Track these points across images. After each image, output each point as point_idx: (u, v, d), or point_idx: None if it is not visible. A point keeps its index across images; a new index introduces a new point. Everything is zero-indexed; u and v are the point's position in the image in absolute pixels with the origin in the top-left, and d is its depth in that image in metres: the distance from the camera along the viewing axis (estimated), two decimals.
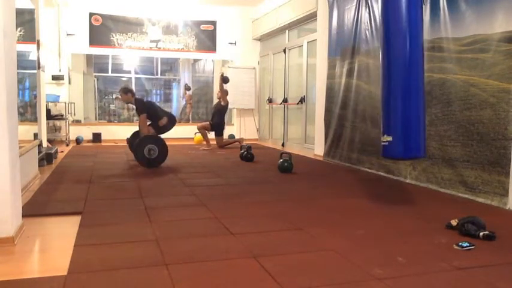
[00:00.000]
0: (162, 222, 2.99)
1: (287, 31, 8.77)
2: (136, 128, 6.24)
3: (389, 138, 3.50)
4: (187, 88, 12.10)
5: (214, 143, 8.22)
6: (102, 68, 12.60)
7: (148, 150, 5.53)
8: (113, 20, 9.14)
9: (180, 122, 11.68)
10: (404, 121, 3.46)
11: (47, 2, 7.53)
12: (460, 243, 2.53)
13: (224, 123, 8.39)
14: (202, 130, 8.09)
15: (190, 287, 1.96)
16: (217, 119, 8.11)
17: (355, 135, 5.72)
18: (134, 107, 6.01)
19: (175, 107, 13.50)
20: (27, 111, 6.77)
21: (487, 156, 3.72)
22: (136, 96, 5.94)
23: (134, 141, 5.88)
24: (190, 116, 12.03)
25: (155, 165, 5.58)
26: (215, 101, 9.71)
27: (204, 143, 8.10)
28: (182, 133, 9.61)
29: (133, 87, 10.65)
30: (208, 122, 8.30)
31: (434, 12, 4.32)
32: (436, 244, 2.59)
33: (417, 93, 3.50)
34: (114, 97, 12.67)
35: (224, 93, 8.08)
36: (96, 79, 12.27)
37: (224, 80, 8.08)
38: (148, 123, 5.89)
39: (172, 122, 6.08)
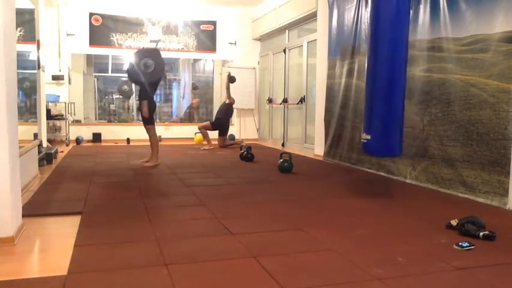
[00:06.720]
0: (162, 222, 3.00)
1: (287, 31, 8.77)
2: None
3: (368, 137, 3.74)
4: (194, 87, 12.19)
5: (215, 142, 8.21)
6: (102, 68, 12.59)
7: (144, 64, 5.45)
8: (113, 20, 9.14)
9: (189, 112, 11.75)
10: (384, 123, 3.68)
11: (47, 2, 7.53)
12: (460, 243, 2.53)
13: (228, 123, 8.41)
14: (203, 130, 8.11)
15: (190, 287, 1.96)
16: (221, 117, 8.15)
17: (355, 135, 5.72)
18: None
19: (175, 106, 13.49)
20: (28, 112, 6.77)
21: (487, 156, 3.72)
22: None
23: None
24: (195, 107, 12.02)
25: (152, 79, 5.51)
26: (215, 100, 9.72)
27: (205, 142, 8.11)
28: (182, 133, 9.62)
29: (133, 88, 10.69)
30: (208, 122, 8.32)
31: (434, 12, 4.32)
32: (436, 244, 2.59)
33: (398, 96, 3.66)
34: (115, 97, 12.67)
35: (229, 91, 8.13)
36: (96, 79, 12.26)
37: (231, 79, 8.11)
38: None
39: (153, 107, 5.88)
